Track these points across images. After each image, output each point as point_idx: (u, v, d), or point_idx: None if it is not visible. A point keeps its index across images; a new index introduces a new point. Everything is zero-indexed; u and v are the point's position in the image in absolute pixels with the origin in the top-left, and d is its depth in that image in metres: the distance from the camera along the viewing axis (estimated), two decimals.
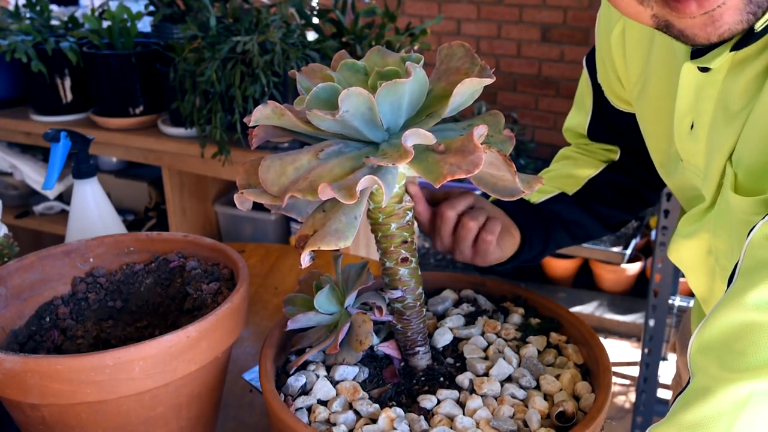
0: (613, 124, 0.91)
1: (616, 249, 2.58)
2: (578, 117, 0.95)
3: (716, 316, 0.53)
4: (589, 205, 0.93)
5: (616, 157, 0.94)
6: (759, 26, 0.56)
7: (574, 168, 0.94)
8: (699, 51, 0.65)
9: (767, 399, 0.49)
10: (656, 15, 0.57)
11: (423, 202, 0.80)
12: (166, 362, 0.62)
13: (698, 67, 0.65)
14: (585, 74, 0.90)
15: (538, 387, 0.68)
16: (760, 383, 0.49)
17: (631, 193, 0.96)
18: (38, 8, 1.91)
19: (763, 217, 0.55)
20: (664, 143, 0.80)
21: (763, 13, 0.55)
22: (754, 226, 0.55)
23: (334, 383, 0.68)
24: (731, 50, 0.60)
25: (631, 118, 0.85)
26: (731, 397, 0.49)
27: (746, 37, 0.58)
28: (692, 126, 0.69)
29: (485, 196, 0.72)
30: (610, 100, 0.89)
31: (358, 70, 0.62)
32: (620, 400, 2.25)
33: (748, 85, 0.61)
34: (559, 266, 2.78)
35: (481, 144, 0.55)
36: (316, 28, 1.65)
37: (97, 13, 1.84)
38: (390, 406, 0.64)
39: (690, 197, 0.78)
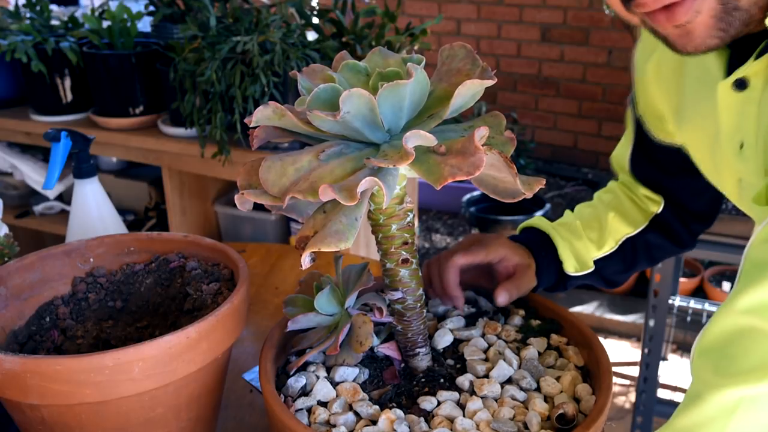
0: (655, 158, 0.91)
1: None
2: (623, 147, 0.95)
3: (714, 321, 0.53)
4: (612, 258, 0.93)
5: (659, 209, 0.93)
6: None
7: (616, 219, 0.93)
8: (732, 68, 0.64)
9: (756, 406, 0.49)
10: (642, 20, 0.60)
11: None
12: (166, 363, 0.62)
13: (734, 86, 0.64)
14: (629, 109, 0.91)
15: (538, 389, 0.68)
16: (749, 389, 0.49)
17: (661, 250, 0.96)
18: (38, 8, 1.91)
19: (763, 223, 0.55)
20: (712, 169, 0.79)
21: (737, 31, 0.56)
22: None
23: (334, 384, 0.68)
24: (756, 58, 0.60)
25: (673, 152, 0.85)
26: (720, 403, 0.49)
27: None
28: (742, 146, 0.68)
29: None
30: (651, 133, 0.88)
31: (359, 71, 0.62)
32: (620, 400, 2.25)
33: None
34: None
35: (482, 145, 0.55)
36: (316, 28, 1.65)
37: (97, 13, 1.84)
38: (390, 408, 0.64)
39: None
